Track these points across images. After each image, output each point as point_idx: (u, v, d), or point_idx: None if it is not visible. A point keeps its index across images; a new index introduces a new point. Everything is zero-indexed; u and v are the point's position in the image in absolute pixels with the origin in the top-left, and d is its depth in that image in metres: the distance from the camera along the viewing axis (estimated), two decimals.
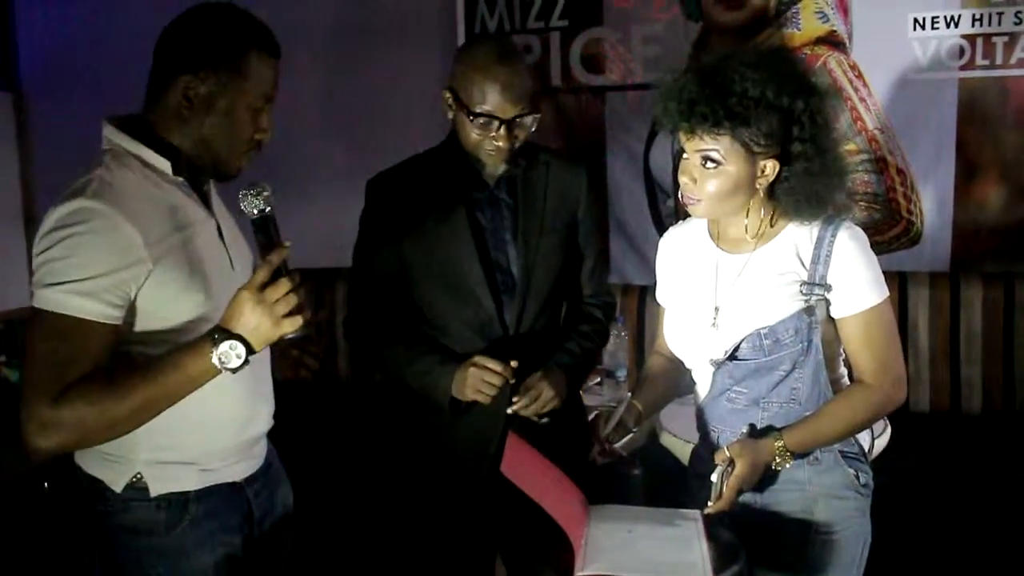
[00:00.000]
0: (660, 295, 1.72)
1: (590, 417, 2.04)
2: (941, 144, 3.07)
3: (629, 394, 1.66)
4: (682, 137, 1.48)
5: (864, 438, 1.63)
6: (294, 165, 3.27)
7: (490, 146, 1.77)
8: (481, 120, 1.74)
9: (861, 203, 2.84)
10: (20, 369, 1.38)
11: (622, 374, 2.80)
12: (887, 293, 1.52)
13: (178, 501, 1.44)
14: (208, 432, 1.46)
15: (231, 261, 1.50)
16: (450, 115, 1.82)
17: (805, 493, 1.54)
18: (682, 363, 1.66)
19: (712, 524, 1.44)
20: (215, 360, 1.29)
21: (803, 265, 1.51)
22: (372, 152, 2.52)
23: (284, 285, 1.29)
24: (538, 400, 1.79)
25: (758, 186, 1.48)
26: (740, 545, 1.41)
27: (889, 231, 2.85)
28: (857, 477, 1.56)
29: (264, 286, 1.29)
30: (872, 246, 1.53)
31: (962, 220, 3.09)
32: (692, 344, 1.60)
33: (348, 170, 2.76)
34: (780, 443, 1.49)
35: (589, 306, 1.99)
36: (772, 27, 2.60)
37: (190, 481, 1.45)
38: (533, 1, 3.45)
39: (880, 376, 1.51)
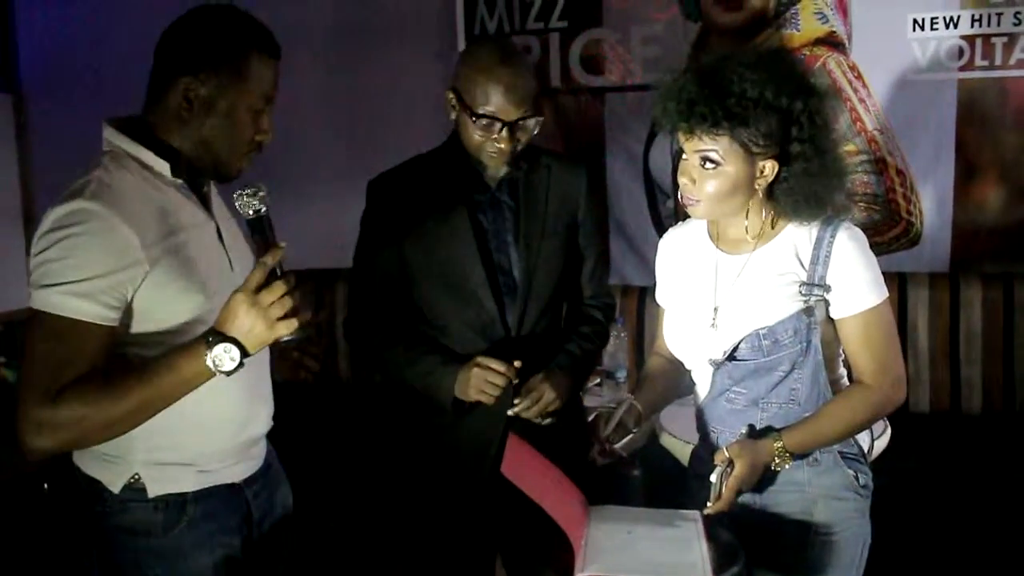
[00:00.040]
0: (660, 296, 1.72)
1: (590, 418, 2.04)
2: (940, 145, 3.07)
3: (630, 395, 1.66)
4: (681, 138, 1.48)
5: (864, 439, 1.63)
6: (293, 165, 3.26)
7: (492, 148, 1.77)
8: (484, 122, 1.74)
9: (860, 204, 2.84)
10: (18, 370, 1.38)
11: (622, 375, 2.80)
12: (886, 294, 1.52)
13: (176, 502, 1.44)
14: (206, 433, 1.46)
15: (231, 263, 1.50)
16: (453, 116, 1.82)
17: (804, 494, 1.54)
18: (682, 364, 1.66)
19: (712, 525, 1.44)
20: (209, 363, 1.29)
21: (802, 266, 1.51)
22: (372, 152, 2.52)
23: (279, 288, 1.29)
24: (540, 402, 1.79)
25: (757, 187, 1.48)
26: (740, 546, 1.41)
27: (889, 232, 2.85)
28: (856, 478, 1.56)
29: (260, 288, 1.29)
30: (872, 247, 1.53)
31: (961, 221, 3.09)
32: (691, 344, 1.60)
33: (348, 170, 2.75)
34: (779, 444, 1.49)
35: (589, 308, 1.99)
36: (771, 28, 2.60)
37: (188, 482, 1.45)
38: (533, 2, 3.45)
39: (880, 377, 1.51)
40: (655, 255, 1.73)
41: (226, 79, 1.39)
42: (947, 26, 2.99)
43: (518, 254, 1.85)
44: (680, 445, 2.20)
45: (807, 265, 1.51)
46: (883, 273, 1.53)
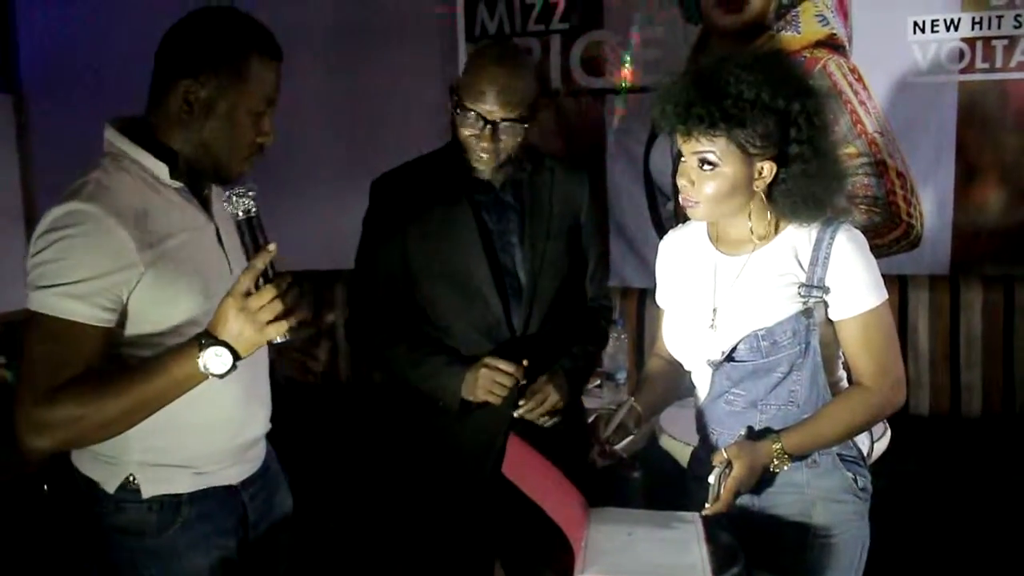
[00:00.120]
0: (660, 297, 1.72)
1: (590, 420, 2.04)
2: (941, 147, 3.07)
3: (631, 398, 1.66)
4: (679, 140, 1.48)
5: (864, 441, 1.63)
6: (293, 166, 3.26)
7: (478, 147, 1.77)
8: (469, 118, 1.75)
9: (861, 206, 2.84)
10: (17, 370, 1.39)
11: (622, 377, 2.79)
12: (886, 295, 1.52)
13: (170, 503, 1.44)
14: (202, 435, 1.46)
15: (230, 266, 1.49)
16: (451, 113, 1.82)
17: (803, 496, 1.54)
18: (681, 365, 1.66)
19: (711, 527, 1.44)
20: (201, 365, 1.29)
21: (801, 267, 1.51)
22: (372, 152, 2.52)
23: (268, 292, 1.28)
24: (545, 403, 1.80)
25: (756, 188, 1.48)
26: (739, 548, 1.41)
27: (889, 234, 2.85)
28: (855, 481, 1.56)
29: (250, 292, 1.29)
30: (872, 249, 1.53)
31: (962, 223, 3.09)
32: (690, 345, 1.60)
33: (348, 171, 2.76)
34: (778, 445, 1.49)
35: (589, 309, 1.99)
36: (772, 30, 2.60)
37: (183, 483, 1.45)
38: (533, 3, 3.45)
39: (879, 379, 1.51)
40: (655, 257, 1.73)
41: (226, 80, 1.39)
42: (947, 29, 2.99)
43: (523, 255, 1.86)
44: (680, 447, 2.20)
45: (806, 267, 1.51)
46: (883, 275, 1.53)
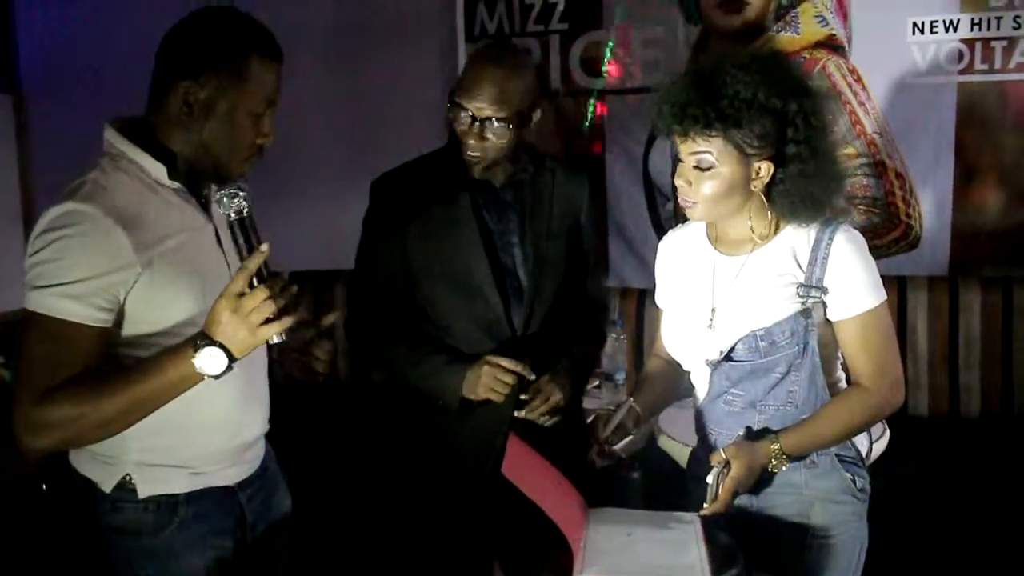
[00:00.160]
0: (659, 297, 1.72)
1: (589, 420, 2.04)
2: (940, 148, 3.07)
3: (630, 398, 1.66)
4: (677, 140, 1.49)
5: (863, 442, 1.63)
6: (294, 166, 3.26)
7: (467, 145, 1.77)
8: (458, 114, 1.75)
9: (860, 207, 2.84)
10: (16, 370, 1.39)
11: (621, 377, 2.79)
12: (884, 296, 1.52)
13: (167, 503, 1.44)
14: (200, 435, 1.46)
15: (228, 266, 1.49)
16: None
17: (801, 497, 1.54)
18: (680, 366, 1.66)
19: (710, 527, 1.44)
20: (196, 366, 1.29)
21: (800, 267, 1.51)
22: (372, 152, 2.52)
23: (260, 293, 1.28)
24: (548, 402, 1.80)
25: (754, 188, 1.48)
26: (738, 548, 1.41)
27: (888, 235, 2.85)
28: (854, 481, 1.56)
29: (244, 292, 1.29)
30: (871, 250, 1.54)
31: (961, 224, 3.09)
32: (689, 345, 1.60)
33: (348, 171, 2.76)
34: (776, 445, 1.49)
35: (587, 309, 1.99)
36: (771, 31, 2.60)
37: (180, 484, 1.45)
38: (533, 4, 3.45)
39: (877, 379, 1.51)
40: (655, 257, 1.73)
41: (226, 81, 1.39)
42: (947, 30, 3.00)
43: (523, 255, 1.86)
44: (679, 447, 2.19)
45: (805, 267, 1.51)
46: (882, 276, 1.53)
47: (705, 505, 1.46)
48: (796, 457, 1.51)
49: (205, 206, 1.50)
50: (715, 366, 1.55)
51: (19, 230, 3.92)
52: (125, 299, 1.35)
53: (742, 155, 1.44)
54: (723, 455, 1.47)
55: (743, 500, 1.53)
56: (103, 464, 1.43)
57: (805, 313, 1.49)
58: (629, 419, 1.62)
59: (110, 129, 1.43)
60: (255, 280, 1.29)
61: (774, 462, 1.49)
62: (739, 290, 1.54)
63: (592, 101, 3.44)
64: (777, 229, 1.54)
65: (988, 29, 2.97)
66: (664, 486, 1.83)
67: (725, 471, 1.46)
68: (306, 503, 1.80)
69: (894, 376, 1.52)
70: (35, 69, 4.02)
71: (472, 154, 1.78)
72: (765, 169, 1.47)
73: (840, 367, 1.60)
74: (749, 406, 1.54)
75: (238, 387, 1.44)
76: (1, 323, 3.16)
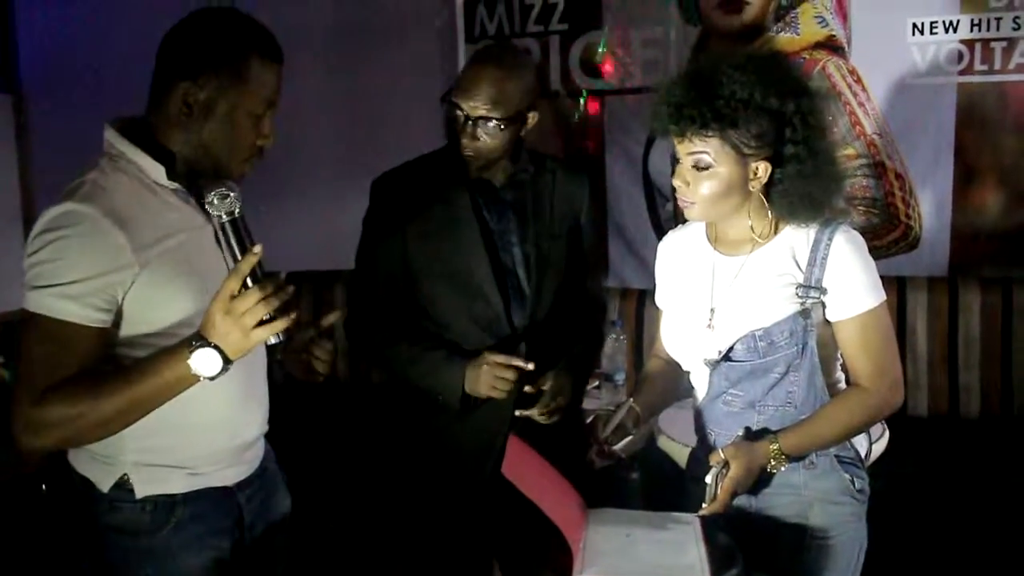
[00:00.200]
0: (659, 298, 1.72)
1: (588, 420, 2.04)
2: (940, 149, 3.07)
3: (630, 398, 1.66)
4: (674, 141, 1.49)
5: (862, 443, 1.63)
6: (294, 166, 3.26)
7: (460, 143, 1.78)
8: (452, 111, 1.76)
9: (859, 207, 2.84)
10: (16, 370, 1.40)
11: (620, 378, 2.79)
12: (884, 296, 1.52)
13: (164, 503, 1.45)
14: (198, 435, 1.46)
15: (228, 267, 1.49)
16: None
17: (800, 497, 1.54)
18: (680, 366, 1.66)
19: (709, 528, 1.44)
20: (191, 367, 1.29)
21: (799, 268, 1.51)
22: (372, 152, 2.52)
23: (253, 295, 1.28)
24: (556, 399, 1.81)
25: (752, 188, 1.48)
26: (737, 549, 1.41)
27: (887, 236, 2.85)
28: (853, 482, 1.56)
29: (236, 294, 1.28)
30: (870, 251, 1.54)
31: (960, 225, 3.09)
32: (688, 345, 1.60)
33: (348, 171, 2.76)
34: (775, 446, 1.49)
35: (586, 310, 2.00)
36: (771, 32, 2.60)
37: (177, 484, 1.45)
38: (533, 4, 3.46)
39: (877, 380, 1.51)
40: (654, 258, 1.74)
41: (226, 82, 1.39)
42: (946, 30, 3.00)
43: (524, 255, 1.87)
44: (678, 448, 2.19)
45: (804, 267, 1.51)
46: (882, 277, 1.53)
47: (704, 505, 1.46)
48: (795, 458, 1.51)
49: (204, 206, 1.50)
50: (714, 366, 1.55)
51: (19, 230, 3.92)
52: (123, 299, 1.35)
53: (739, 155, 1.44)
54: (722, 455, 1.47)
55: (742, 501, 1.53)
56: (101, 464, 1.43)
57: (804, 313, 1.50)
58: (629, 419, 1.62)
59: (110, 129, 1.43)
60: (249, 281, 1.29)
61: (773, 462, 1.49)
62: (738, 290, 1.54)
63: (584, 99, 3.44)
64: (776, 229, 1.54)
65: (988, 30, 2.97)
66: (663, 486, 1.83)
67: (724, 471, 1.46)
68: (305, 503, 1.80)
69: (893, 376, 1.52)
70: (35, 69, 4.02)
71: (466, 153, 1.78)
72: (763, 169, 1.47)
73: (839, 368, 1.60)
74: (748, 406, 1.54)
75: (237, 387, 1.44)
76: (1, 323, 3.17)
